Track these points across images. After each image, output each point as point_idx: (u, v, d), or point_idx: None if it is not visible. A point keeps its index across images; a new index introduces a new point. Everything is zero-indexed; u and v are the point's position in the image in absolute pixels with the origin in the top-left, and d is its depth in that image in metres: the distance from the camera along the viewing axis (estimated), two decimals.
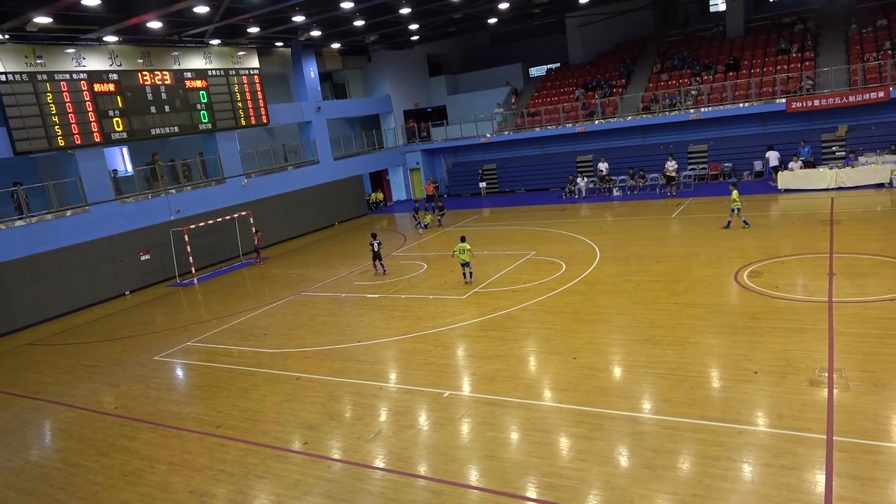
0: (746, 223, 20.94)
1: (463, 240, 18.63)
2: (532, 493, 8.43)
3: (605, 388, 11.11)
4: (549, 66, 43.29)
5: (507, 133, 37.05)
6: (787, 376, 10.54)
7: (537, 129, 35.77)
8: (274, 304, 19.70)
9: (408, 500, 8.56)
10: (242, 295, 21.61)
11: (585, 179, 32.67)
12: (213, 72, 27.99)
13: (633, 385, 11.19)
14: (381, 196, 39.18)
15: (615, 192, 31.62)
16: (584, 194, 32.18)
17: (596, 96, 35.24)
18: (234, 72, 28.89)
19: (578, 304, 15.65)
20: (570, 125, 34.52)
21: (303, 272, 23.62)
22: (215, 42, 27.72)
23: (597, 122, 33.99)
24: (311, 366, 14.02)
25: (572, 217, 27.69)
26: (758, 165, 29.85)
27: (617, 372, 11.85)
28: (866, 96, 27.22)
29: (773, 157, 28.35)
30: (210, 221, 25.88)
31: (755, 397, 10.06)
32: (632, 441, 9.29)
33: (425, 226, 28.82)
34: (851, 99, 27.57)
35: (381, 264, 21.38)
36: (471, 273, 18.74)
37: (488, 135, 37.15)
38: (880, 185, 24.53)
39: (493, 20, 34.80)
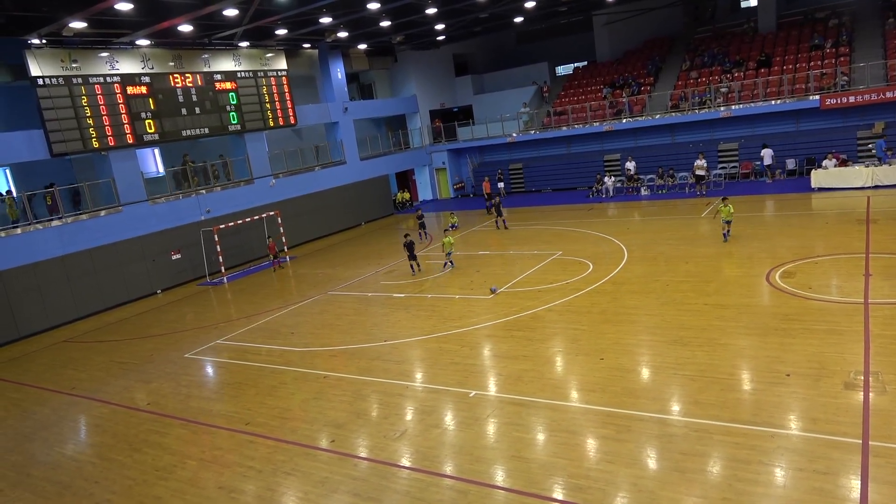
0: (726, 236, 19.89)
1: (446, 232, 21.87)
2: (559, 494, 8.37)
3: (632, 390, 10.99)
4: (575, 64, 42.97)
5: (533, 132, 36.88)
6: (821, 379, 10.31)
7: (564, 128, 35.53)
8: (301, 303, 19.89)
9: (434, 499, 8.58)
10: (270, 294, 21.86)
11: (613, 178, 32.36)
12: (242, 73, 28.38)
13: (661, 387, 11.05)
14: (407, 196, 39.32)
15: (643, 192, 31.26)
16: (611, 193, 31.88)
17: (624, 94, 34.88)
18: (262, 73, 29.26)
19: (606, 305, 15.51)
20: (598, 124, 34.22)
21: (329, 272, 23.81)
22: (244, 44, 28.11)
23: (624, 120, 33.64)
24: (338, 364, 14.12)
25: (599, 217, 27.45)
26: (790, 164, 29.23)
27: (645, 373, 11.71)
28: None
29: (767, 155, 28.67)
30: (239, 221, 26.25)
31: (788, 400, 9.86)
32: (660, 443, 9.17)
33: (452, 225, 28.52)
34: (889, 95, 26.81)
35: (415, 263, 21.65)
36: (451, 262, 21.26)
37: (514, 134, 37.02)
38: None
39: (519, 19, 34.68)
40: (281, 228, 27.50)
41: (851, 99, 27.60)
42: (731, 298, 14.80)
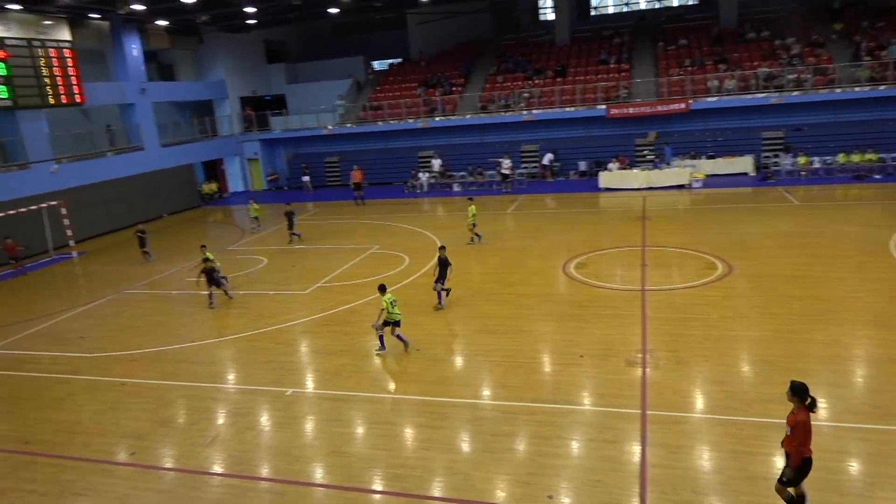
0: (478, 237, 20.77)
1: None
2: (378, 485, 8.49)
3: (447, 378, 11.48)
4: (391, 60, 43.49)
5: (349, 125, 36.71)
6: (608, 358, 11.60)
7: (380, 122, 35.84)
8: (92, 304, 17.88)
9: None
10: (53, 295, 19.36)
11: (427, 174, 33.35)
12: (14, 41, 24.64)
13: (473, 373, 11.68)
14: (215, 187, 37.00)
15: (455, 188, 32.63)
16: (425, 189, 32.84)
17: (437, 93, 36.05)
18: (39, 43, 25.65)
19: (421, 297, 15.94)
20: (413, 121, 35.01)
21: (125, 269, 21.66)
22: (15, 7, 24.39)
23: (438, 118, 34.80)
24: (137, 370, 12.93)
25: (415, 211, 28.15)
26: (582, 165, 32.36)
27: (458, 361, 12.29)
28: (671, 107, 30.58)
29: (546, 157, 32.36)
30: (11, 212, 22.79)
31: (581, 379, 10.96)
32: (472, 427, 9.70)
33: (254, 218, 26.85)
34: (660, 109, 30.82)
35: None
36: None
37: (330, 126, 36.54)
38: (682, 186, 27.75)
39: (333, 10, 34.24)
40: (66, 220, 24.42)
41: (631, 110, 31.28)
42: (533, 288, 16.06)
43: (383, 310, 12.37)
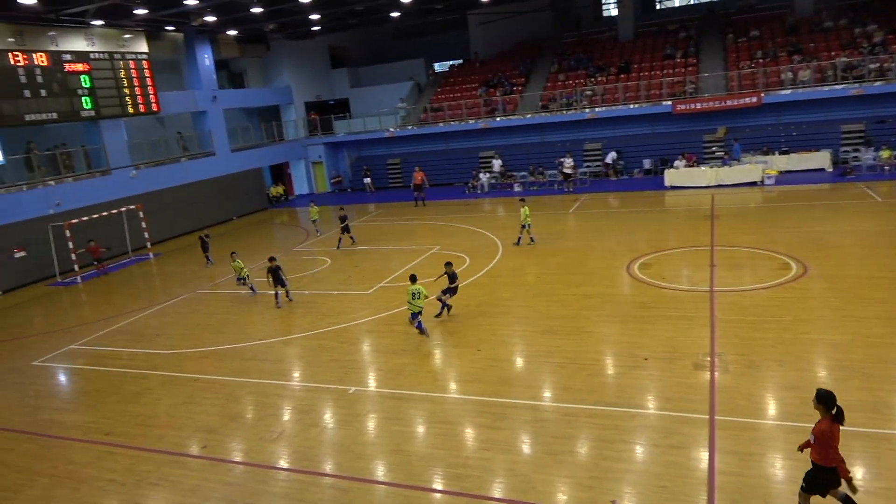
0: (533, 240, 20.64)
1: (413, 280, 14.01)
2: (438, 484, 8.53)
3: (508, 379, 11.42)
4: (451, 62, 43.67)
5: (410, 128, 37.07)
6: (674, 361, 11.26)
7: (440, 124, 36.03)
8: (167, 303, 18.72)
9: (314, 499, 8.44)
10: (132, 294, 20.38)
11: (487, 175, 33.31)
12: (96, 55, 26.10)
13: (534, 374, 11.58)
14: (282, 190, 38.12)
15: (516, 188, 32.46)
16: (486, 189, 32.80)
17: (498, 93, 35.94)
18: (119, 56, 27.09)
19: (482, 297, 15.95)
20: (473, 121, 35.03)
21: (197, 270, 22.59)
22: (98, 23, 25.85)
23: (498, 118, 34.70)
24: (209, 366, 13.46)
25: (475, 212, 28.15)
26: (647, 163, 31.57)
27: (519, 362, 12.21)
28: (742, 101, 29.45)
29: (609, 156, 31.82)
30: (95, 216, 24.15)
31: (646, 382, 10.69)
32: (533, 429, 9.61)
33: (313, 221, 26.82)
34: (729, 103, 29.73)
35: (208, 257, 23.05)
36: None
37: (392, 129, 37.02)
38: (753, 184, 26.67)
39: (395, 14, 34.67)
40: (143, 223, 25.68)
41: (698, 105, 30.31)
42: (596, 289, 15.78)
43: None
